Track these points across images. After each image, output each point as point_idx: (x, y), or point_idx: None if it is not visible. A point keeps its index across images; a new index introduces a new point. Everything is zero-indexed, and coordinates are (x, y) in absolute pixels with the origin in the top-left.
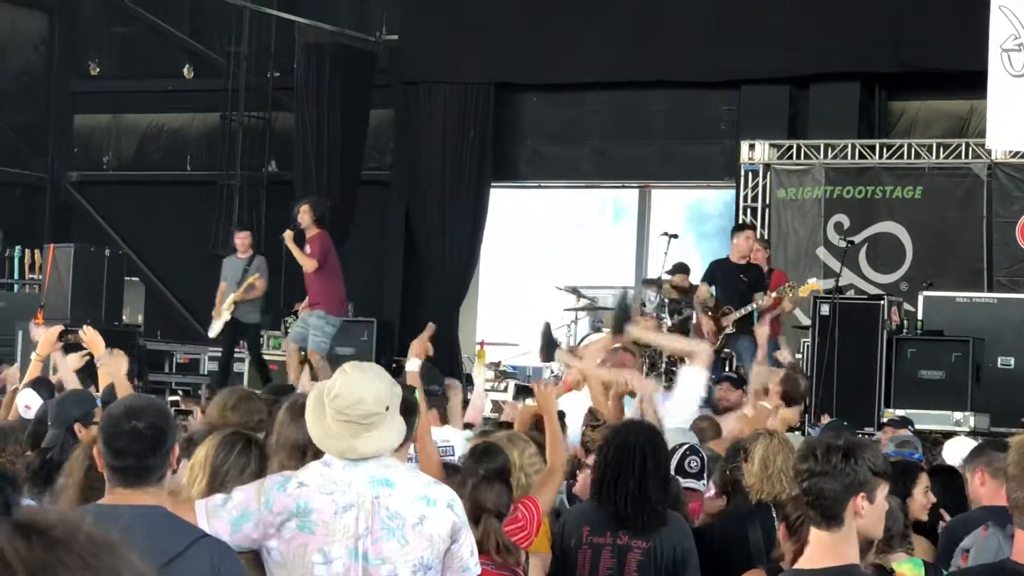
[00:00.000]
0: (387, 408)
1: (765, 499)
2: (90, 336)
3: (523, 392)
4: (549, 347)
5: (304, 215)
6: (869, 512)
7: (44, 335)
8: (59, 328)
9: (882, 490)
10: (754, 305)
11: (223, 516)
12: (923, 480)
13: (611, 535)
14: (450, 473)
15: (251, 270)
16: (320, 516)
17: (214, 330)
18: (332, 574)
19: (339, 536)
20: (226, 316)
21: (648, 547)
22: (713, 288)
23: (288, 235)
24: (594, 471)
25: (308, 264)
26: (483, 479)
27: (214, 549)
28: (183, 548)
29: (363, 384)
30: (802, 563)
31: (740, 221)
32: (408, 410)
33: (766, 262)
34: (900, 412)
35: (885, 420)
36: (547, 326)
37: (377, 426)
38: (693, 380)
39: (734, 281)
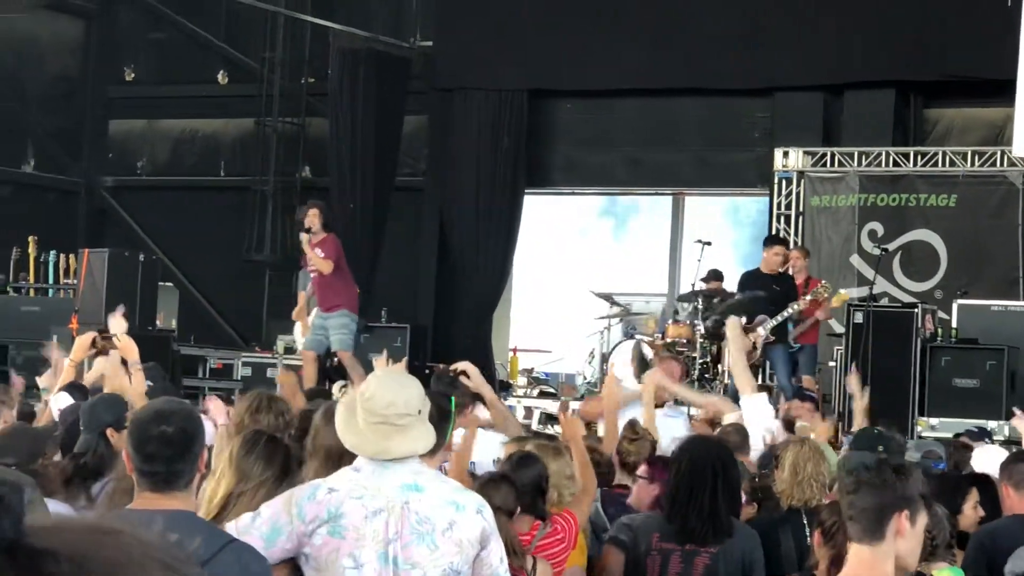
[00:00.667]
0: (419, 412)
1: (796, 505)
2: (124, 343)
3: (550, 420)
4: (642, 366)
5: (313, 219)
6: (909, 535)
7: (78, 340)
8: (93, 334)
9: (923, 518)
10: (789, 312)
11: (254, 533)
12: (973, 495)
13: (678, 542)
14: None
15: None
16: (350, 521)
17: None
18: None
19: (369, 541)
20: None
21: (716, 552)
22: None
23: (305, 238)
24: (664, 487)
25: (325, 266)
26: (490, 479)
27: (244, 553)
28: (213, 553)
29: (396, 387)
30: None
31: (772, 233)
32: (442, 417)
33: (805, 271)
34: (934, 421)
35: (963, 431)
36: (638, 344)
37: (409, 428)
38: (758, 409)
39: (767, 291)
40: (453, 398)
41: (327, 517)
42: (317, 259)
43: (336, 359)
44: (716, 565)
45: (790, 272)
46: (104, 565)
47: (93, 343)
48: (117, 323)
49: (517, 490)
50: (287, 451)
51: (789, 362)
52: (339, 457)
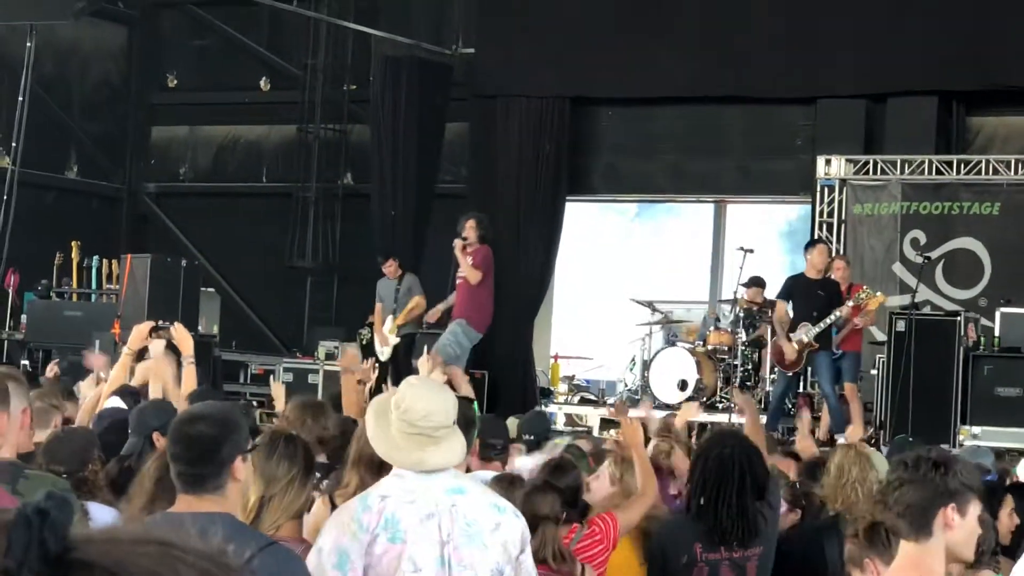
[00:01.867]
0: (454, 423)
1: (839, 508)
2: (180, 334)
3: (609, 425)
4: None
5: (470, 231)
6: (960, 526)
7: (136, 329)
8: (151, 323)
9: (975, 507)
10: (833, 318)
11: (327, 567)
12: (1009, 502)
13: (725, 550)
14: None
15: (403, 288)
16: (407, 525)
17: (385, 354)
18: None
19: (426, 544)
20: (394, 340)
21: (761, 550)
22: (790, 304)
23: (458, 243)
24: (690, 485)
25: (472, 275)
26: (535, 488)
27: (282, 557)
28: (251, 555)
29: (432, 397)
30: (887, 575)
31: (815, 236)
32: (467, 424)
33: (848, 279)
34: (976, 429)
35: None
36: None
37: (445, 439)
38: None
39: (812, 296)
40: (476, 404)
41: (384, 524)
42: (466, 265)
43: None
44: (764, 563)
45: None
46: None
47: (151, 333)
48: (94, 360)
49: (562, 498)
50: (306, 446)
51: (832, 369)
52: (380, 465)
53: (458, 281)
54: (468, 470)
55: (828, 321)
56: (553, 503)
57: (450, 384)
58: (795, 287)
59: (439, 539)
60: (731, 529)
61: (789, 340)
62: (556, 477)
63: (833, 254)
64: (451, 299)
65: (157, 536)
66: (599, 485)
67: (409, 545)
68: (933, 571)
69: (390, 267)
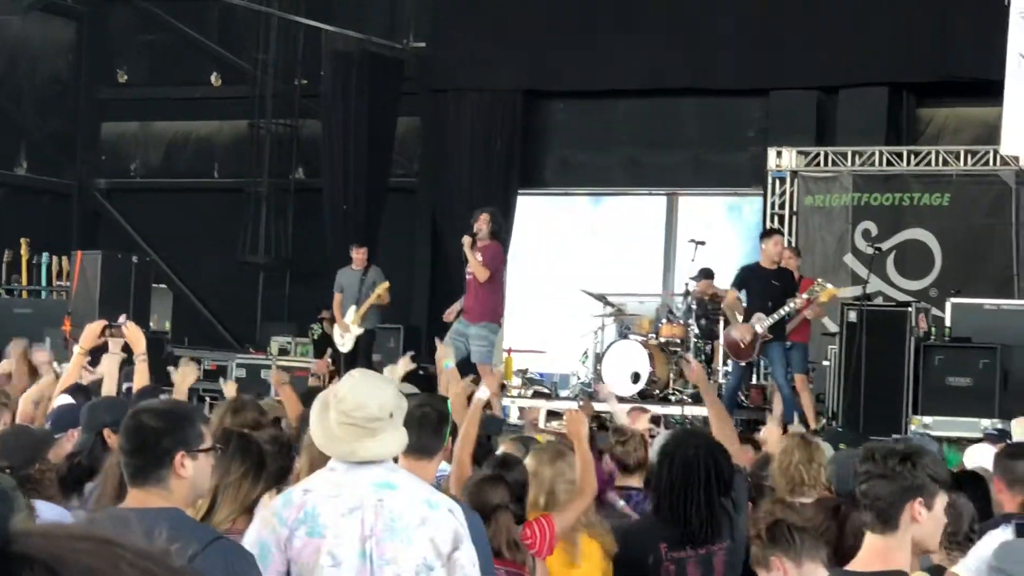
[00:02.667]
0: (391, 415)
1: (788, 499)
2: (132, 331)
3: (554, 416)
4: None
5: (483, 224)
6: (927, 520)
7: (88, 328)
8: (103, 322)
9: (941, 499)
10: (787, 309)
11: None
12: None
13: (692, 548)
14: None
15: (368, 280)
16: (327, 519)
17: (346, 345)
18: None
19: (346, 538)
20: (358, 330)
21: (728, 544)
22: (743, 294)
23: (467, 240)
24: (656, 488)
25: (481, 272)
26: (485, 478)
27: (230, 552)
28: (197, 551)
29: (369, 390)
30: (852, 565)
31: (768, 227)
32: (440, 420)
33: (797, 271)
34: (927, 419)
35: (983, 433)
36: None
37: (379, 432)
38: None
39: (766, 286)
40: (449, 401)
41: (304, 518)
42: (475, 263)
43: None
44: (734, 560)
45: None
46: (81, 572)
47: (103, 332)
48: (40, 355)
49: (511, 488)
50: (259, 445)
51: (786, 359)
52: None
53: (468, 278)
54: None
55: (783, 312)
56: (503, 493)
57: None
58: (749, 277)
59: (361, 534)
60: (699, 529)
61: (740, 324)
62: (504, 471)
63: (769, 244)
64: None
65: (99, 533)
66: None
67: (328, 539)
68: (898, 563)
69: (360, 255)
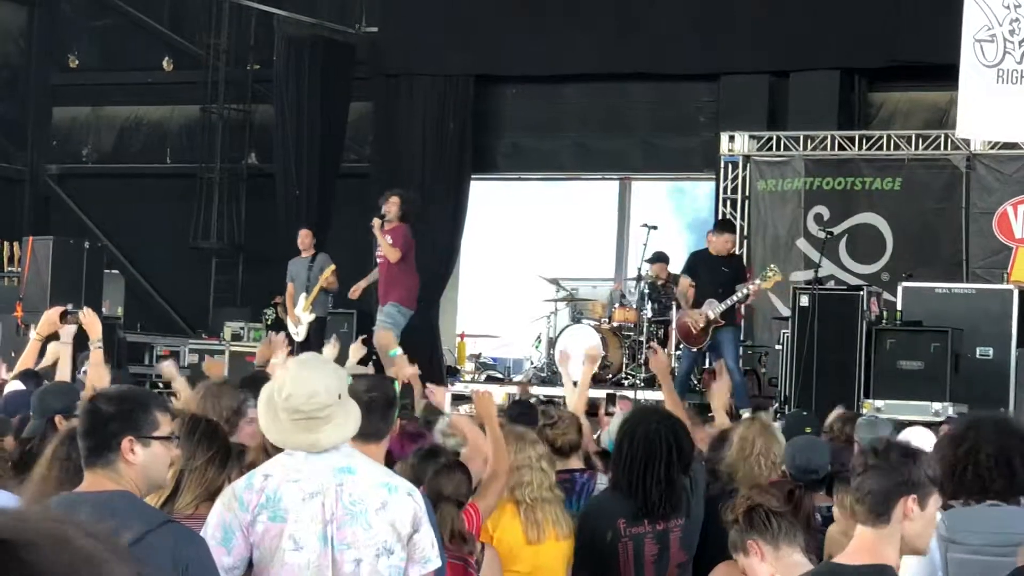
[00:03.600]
0: (339, 396)
1: (741, 481)
2: (89, 318)
3: (460, 400)
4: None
5: (392, 206)
6: (918, 517)
7: (46, 314)
8: (61, 308)
9: (935, 500)
10: (740, 295)
11: (212, 544)
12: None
13: (648, 523)
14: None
15: (315, 267)
16: (288, 504)
17: (300, 334)
18: (304, 559)
19: (307, 522)
20: (309, 317)
21: (683, 522)
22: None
23: (376, 223)
24: (617, 463)
25: (392, 254)
26: (445, 467)
27: (179, 534)
28: (143, 533)
29: (312, 378)
30: (840, 558)
31: (723, 217)
32: (388, 403)
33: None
34: (879, 403)
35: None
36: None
37: (333, 417)
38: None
39: (716, 272)
40: (397, 382)
41: (266, 502)
42: (386, 245)
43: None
44: (687, 534)
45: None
46: (34, 550)
47: (61, 318)
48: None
49: (469, 480)
50: (225, 433)
51: (737, 345)
52: None
53: (379, 260)
54: (390, 453)
55: (735, 299)
56: (459, 484)
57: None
58: (699, 263)
59: (322, 518)
60: (659, 503)
61: (692, 309)
62: (427, 460)
63: (718, 239)
64: (372, 275)
65: (50, 513)
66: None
67: (290, 524)
68: (886, 557)
69: (305, 240)
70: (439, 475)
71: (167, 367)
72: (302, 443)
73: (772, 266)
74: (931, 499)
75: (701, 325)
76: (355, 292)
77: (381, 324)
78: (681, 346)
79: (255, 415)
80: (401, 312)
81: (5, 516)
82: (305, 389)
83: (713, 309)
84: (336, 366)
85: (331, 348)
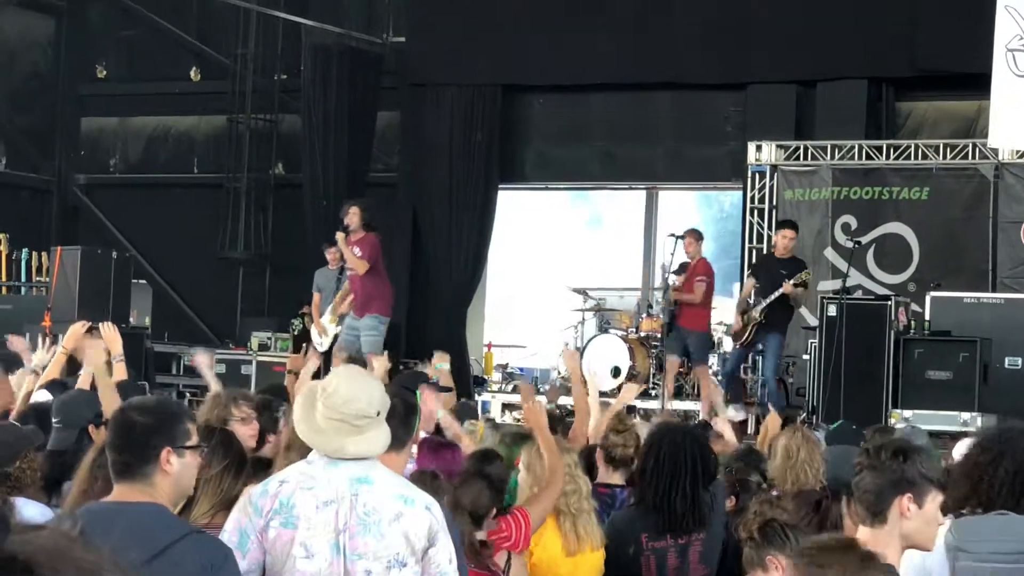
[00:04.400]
0: (377, 413)
1: (788, 489)
2: (108, 333)
3: (510, 408)
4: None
5: (353, 217)
6: (916, 516)
7: (72, 328)
8: (87, 323)
9: (934, 498)
10: (776, 295)
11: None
12: None
13: (671, 537)
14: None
15: (343, 279)
16: (301, 511)
17: (324, 345)
18: (315, 568)
19: (320, 530)
20: (335, 329)
21: (704, 536)
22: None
23: (340, 236)
24: (642, 477)
25: (360, 266)
26: (466, 479)
27: (206, 545)
28: (169, 543)
29: (358, 385)
30: None
31: (782, 218)
32: (408, 411)
33: (698, 255)
34: (907, 413)
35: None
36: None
37: (366, 429)
38: None
39: (774, 274)
40: (418, 392)
41: (279, 508)
42: (352, 257)
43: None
44: (707, 549)
45: (686, 260)
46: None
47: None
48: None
49: (492, 492)
50: (240, 442)
51: (778, 352)
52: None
53: (349, 273)
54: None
55: (772, 298)
56: (477, 496)
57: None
58: (760, 264)
59: (335, 526)
60: (683, 518)
61: (740, 314)
62: (485, 465)
63: (778, 237)
64: (345, 290)
65: (59, 533)
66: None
67: (301, 531)
68: (885, 556)
69: (333, 254)
70: (459, 487)
71: (201, 358)
72: (328, 446)
73: (807, 270)
74: (928, 497)
75: (742, 322)
76: (334, 317)
77: (369, 341)
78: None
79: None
80: (382, 322)
81: (14, 533)
82: (349, 392)
83: (757, 309)
84: (383, 388)
85: (381, 362)
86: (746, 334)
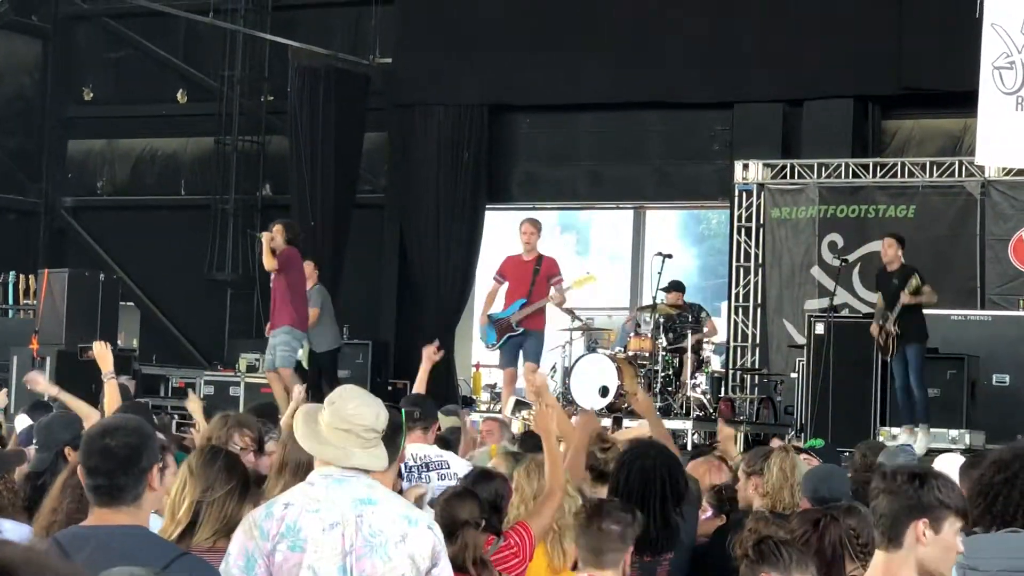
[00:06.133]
0: (383, 431)
1: (782, 510)
2: (99, 351)
3: (521, 406)
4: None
5: (277, 235)
6: (933, 542)
7: (99, 348)
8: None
9: (951, 524)
10: (898, 307)
11: (234, 572)
12: None
13: (636, 555)
14: None
15: (312, 298)
16: (308, 534)
17: (304, 362)
18: None
19: (327, 553)
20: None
21: (672, 556)
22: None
23: (266, 235)
24: (612, 494)
25: (268, 262)
26: (455, 494)
27: (195, 568)
28: (162, 566)
29: (367, 400)
30: None
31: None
32: (394, 430)
33: (536, 250)
34: (895, 431)
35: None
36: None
37: (372, 444)
38: None
39: (887, 285)
40: (404, 411)
41: (286, 532)
42: (268, 254)
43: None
44: (676, 572)
45: (526, 248)
46: None
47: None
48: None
49: (480, 504)
50: (244, 465)
51: (919, 360)
52: (307, 471)
53: (272, 285)
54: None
55: (896, 311)
56: (472, 509)
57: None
58: (879, 278)
59: (342, 549)
60: (655, 539)
61: (879, 328)
62: (477, 486)
63: (886, 245)
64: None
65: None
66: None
67: (309, 553)
68: None
69: (307, 268)
70: (451, 502)
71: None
72: (331, 454)
73: (589, 272)
74: (946, 523)
75: (882, 338)
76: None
77: (283, 356)
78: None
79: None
80: (295, 337)
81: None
82: (358, 405)
83: (889, 323)
84: (385, 409)
85: (299, 390)
86: (890, 348)
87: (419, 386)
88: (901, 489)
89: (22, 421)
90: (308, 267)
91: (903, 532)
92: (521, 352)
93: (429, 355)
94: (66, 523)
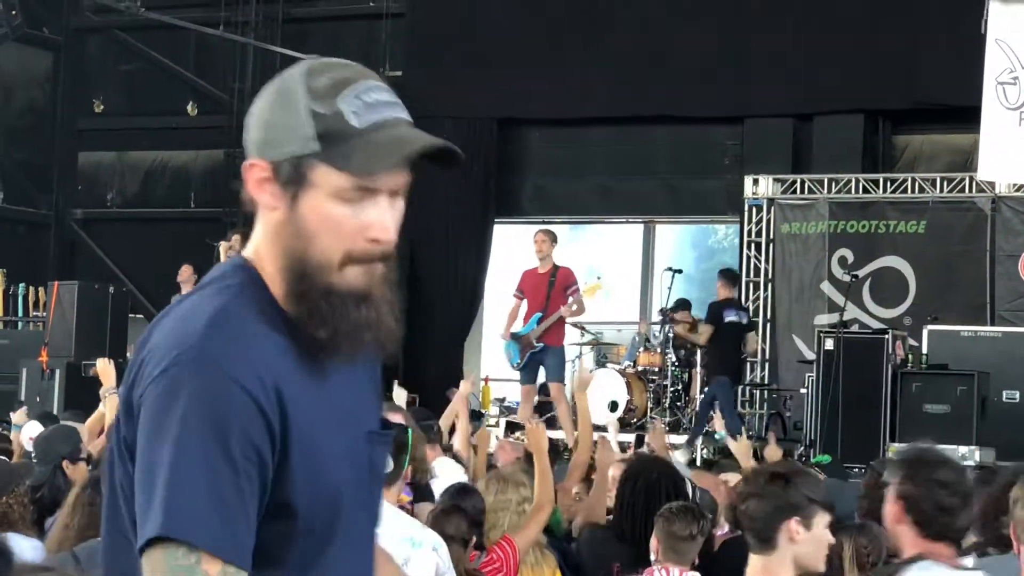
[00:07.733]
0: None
1: None
2: (102, 367)
3: (513, 428)
4: None
5: (235, 243)
6: (805, 539)
7: (104, 366)
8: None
9: (821, 519)
10: None
11: None
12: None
13: (642, 569)
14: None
15: None
16: None
17: None
18: None
19: None
20: None
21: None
22: None
23: (224, 244)
24: (619, 510)
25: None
26: (442, 510)
27: None
28: None
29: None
30: None
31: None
32: (399, 448)
33: (551, 258)
34: (905, 447)
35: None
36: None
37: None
38: None
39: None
40: (411, 430)
41: None
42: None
43: None
44: None
45: (538, 258)
46: None
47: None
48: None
49: (468, 519)
50: None
51: None
52: None
53: None
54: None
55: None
56: (459, 524)
57: None
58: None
59: None
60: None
61: None
62: (461, 499)
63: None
64: None
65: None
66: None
67: None
68: None
69: (185, 273)
70: (439, 520)
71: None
72: None
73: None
74: (816, 519)
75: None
76: None
77: None
78: None
79: None
80: None
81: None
82: None
83: None
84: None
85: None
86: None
87: (447, 418)
88: (768, 490)
89: (33, 428)
90: (187, 270)
91: (776, 533)
92: (543, 369)
93: (463, 394)
94: (77, 539)
